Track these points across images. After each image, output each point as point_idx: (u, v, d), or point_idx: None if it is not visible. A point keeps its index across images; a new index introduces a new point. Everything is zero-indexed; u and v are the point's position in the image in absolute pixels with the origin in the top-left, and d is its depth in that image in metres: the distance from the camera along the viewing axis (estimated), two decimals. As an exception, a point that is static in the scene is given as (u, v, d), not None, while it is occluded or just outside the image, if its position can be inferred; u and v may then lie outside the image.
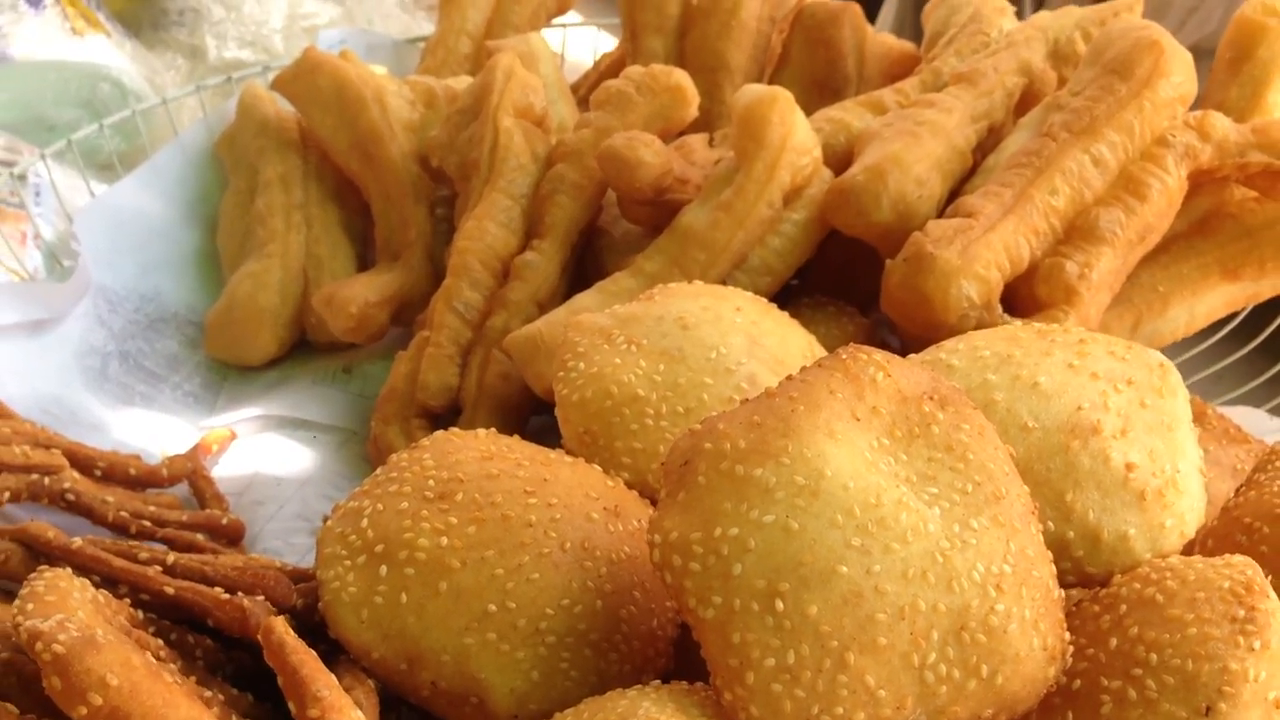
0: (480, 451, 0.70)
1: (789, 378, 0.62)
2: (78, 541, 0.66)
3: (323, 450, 0.99)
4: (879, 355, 0.62)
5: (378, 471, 0.71)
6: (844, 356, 0.62)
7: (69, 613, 0.54)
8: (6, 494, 0.75)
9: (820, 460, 0.57)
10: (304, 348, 1.09)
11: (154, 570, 0.65)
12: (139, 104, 1.25)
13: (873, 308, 1.02)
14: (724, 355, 0.77)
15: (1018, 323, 0.77)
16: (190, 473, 0.92)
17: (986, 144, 1.00)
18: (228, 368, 1.08)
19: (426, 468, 0.69)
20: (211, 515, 0.86)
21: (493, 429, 0.74)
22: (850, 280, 1.01)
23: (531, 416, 0.98)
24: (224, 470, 0.97)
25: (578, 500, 0.68)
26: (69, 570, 0.60)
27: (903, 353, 0.94)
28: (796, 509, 0.55)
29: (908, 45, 1.20)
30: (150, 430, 0.99)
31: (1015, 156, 0.90)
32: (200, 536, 0.83)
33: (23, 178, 1.07)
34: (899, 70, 1.19)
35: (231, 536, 0.87)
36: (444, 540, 0.64)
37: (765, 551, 0.55)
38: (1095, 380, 0.67)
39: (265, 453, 0.98)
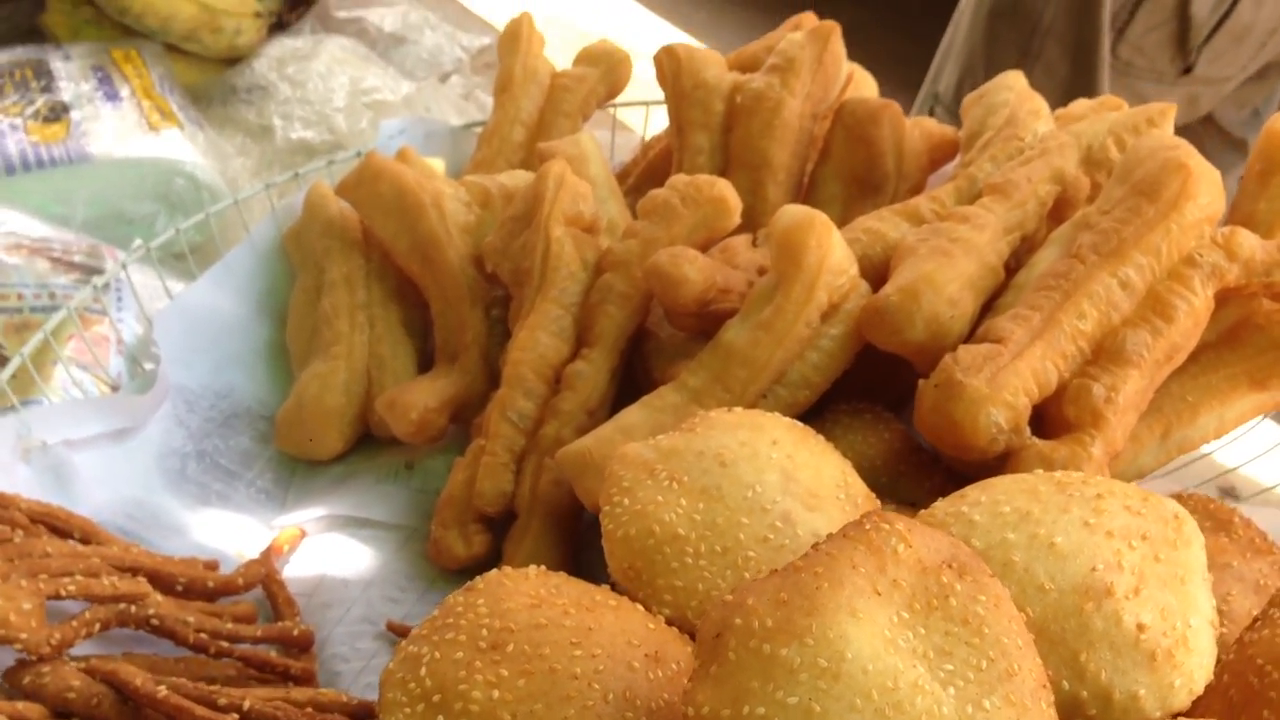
0: (530, 597, 0.75)
1: (815, 548, 0.66)
2: (162, 690, 0.72)
3: (386, 549, 1.05)
4: (901, 524, 0.67)
5: (435, 614, 0.76)
6: (867, 527, 0.66)
7: (158, 788, 0.60)
8: (98, 625, 0.82)
9: (842, 642, 0.61)
10: (368, 442, 1.15)
11: (232, 718, 0.71)
12: (211, 197, 1.32)
13: (907, 403, 1.06)
14: (759, 494, 0.81)
15: (1038, 470, 0.80)
16: (264, 578, 0.98)
17: (1020, 250, 1.03)
18: (296, 461, 1.14)
19: (480, 615, 0.74)
20: (284, 629, 0.92)
21: (543, 566, 0.80)
22: (885, 377, 1.04)
23: (584, 513, 1.03)
24: (294, 570, 1.03)
25: (620, 649, 0.72)
26: (157, 737, 0.66)
27: (936, 459, 0.99)
28: (819, 691, 0.60)
29: (948, 131, 1.23)
30: (226, 531, 1.05)
31: (1044, 278, 0.93)
32: (273, 651, 0.90)
33: (106, 286, 1.14)
34: (939, 155, 1.22)
35: (302, 645, 0.93)
36: (495, 693, 0.69)
37: (789, 732, 0.59)
38: (1110, 539, 0.70)
39: (332, 553, 1.04)
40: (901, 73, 2.09)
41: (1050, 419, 0.91)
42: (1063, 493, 0.73)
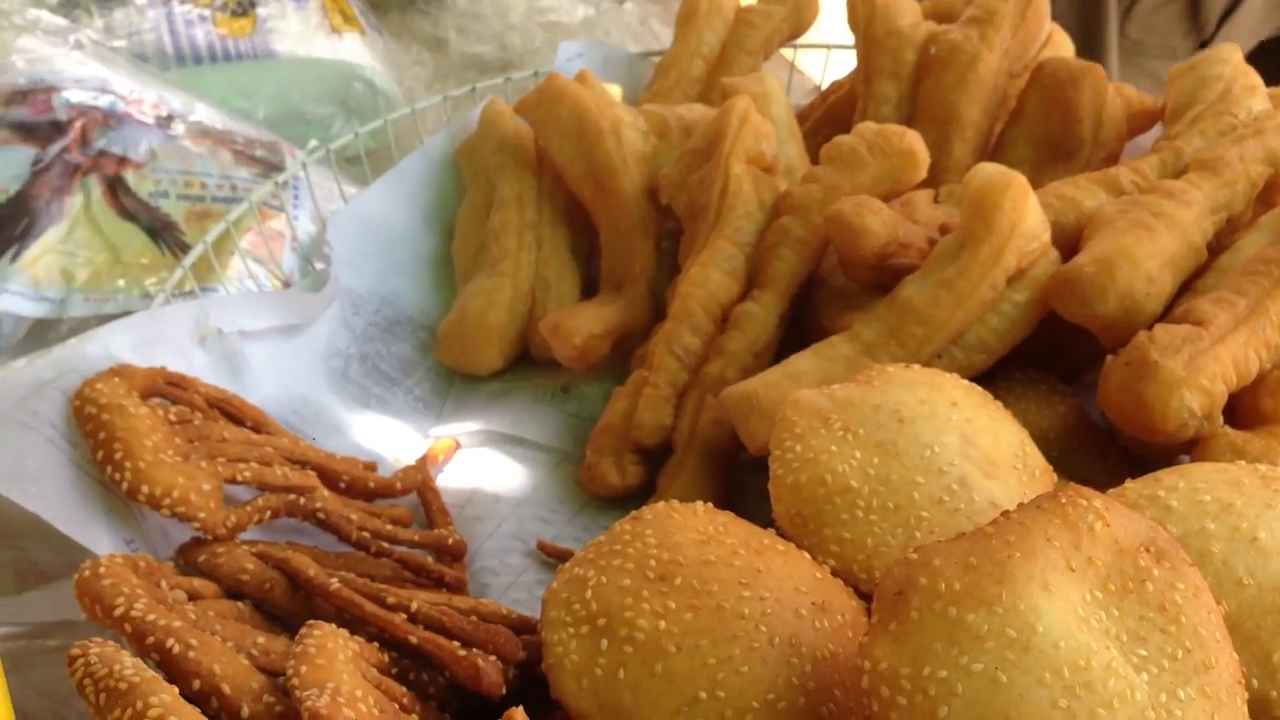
0: (699, 533, 0.75)
1: (1006, 515, 0.64)
2: (334, 583, 0.74)
3: (538, 470, 1.05)
4: (1098, 501, 0.64)
5: (601, 539, 0.76)
6: (1063, 500, 0.64)
7: (335, 677, 0.61)
8: (269, 512, 0.83)
9: (1033, 614, 0.59)
10: (525, 361, 1.15)
11: (400, 618, 0.72)
12: (386, 104, 1.33)
13: (1081, 375, 1.03)
14: (937, 454, 0.79)
15: (1241, 462, 0.77)
16: (420, 484, 0.99)
17: (1223, 231, 0.98)
18: (453, 374, 1.15)
19: (649, 545, 0.74)
20: (439, 536, 0.93)
21: (709, 504, 0.79)
22: (1061, 347, 1.01)
23: (740, 454, 1.02)
24: (447, 480, 1.04)
25: (787, 594, 0.71)
26: (333, 628, 0.67)
27: (1112, 437, 0.96)
28: (1006, 661, 0.58)
29: (1147, 100, 1.18)
30: (383, 435, 1.07)
31: (1252, 263, 0.88)
32: (429, 557, 0.91)
33: (285, 184, 1.15)
34: (1136, 126, 1.18)
35: (455, 554, 0.94)
36: (662, 624, 0.69)
37: (971, 699, 0.58)
38: (1316, 540, 0.67)
39: (485, 468, 1.05)
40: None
41: (1244, 409, 0.87)
42: (1268, 487, 0.70)
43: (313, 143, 1.26)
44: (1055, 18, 1.96)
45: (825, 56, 1.41)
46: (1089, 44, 1.96)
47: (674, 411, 1.01)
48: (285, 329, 1.07)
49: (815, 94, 1.41)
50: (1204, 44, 1.98)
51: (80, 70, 1.18)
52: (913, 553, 0.64)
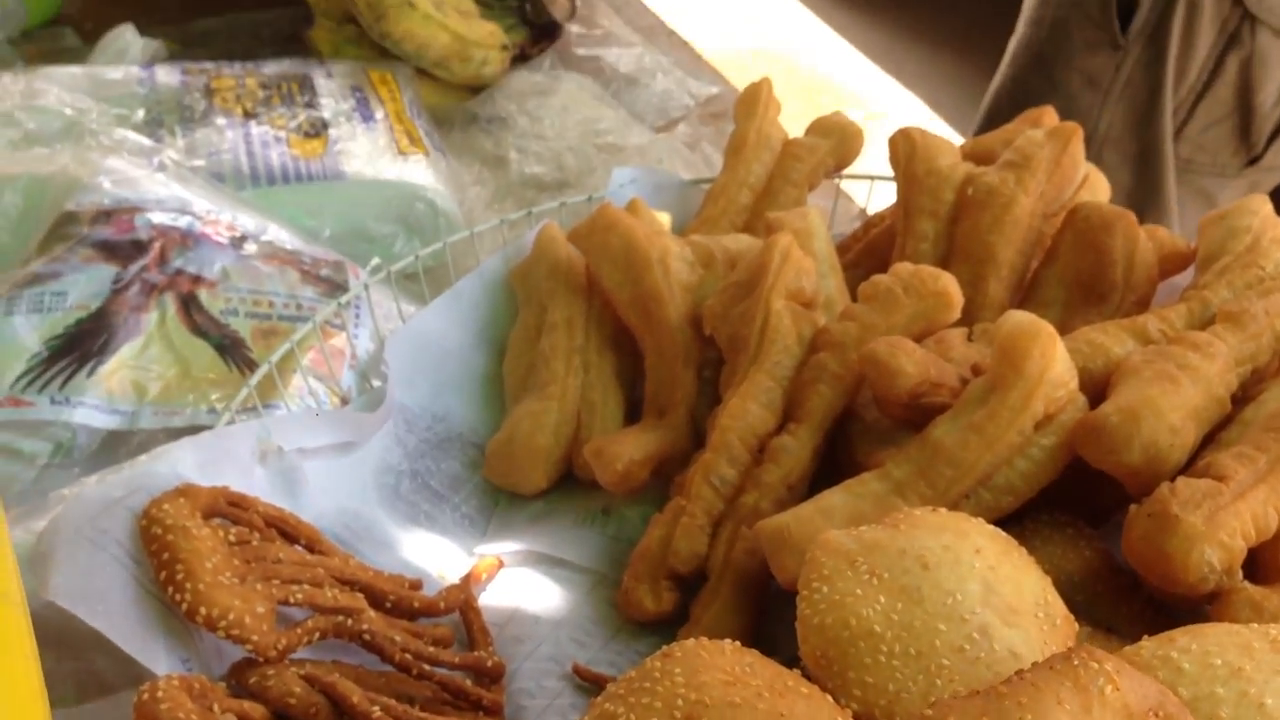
0: (725, 673, 0.78)
1: (1020, 675, 0.67)
2: (377, 711, 0.78)
3: (576, 591, 1.09)
4: (1110, 664, 0.67)
5: (632, 674, 0.79)
6: (1075, 662, 0.67)
7: (375, 812, 0.65)
8: (317, 634, 0.87)
9: (1040, 778, 0.62)
10: (570, 481, 1.19)
11: (437, 747, 0.76)
12: (447, 223, 1.39)
13: (1109, 516, 1.05)
14: (959, 602, 0.82)
15: (1253, 625, 0.79)
16: (462, 603, 1.03)
17: (1249, 382, 1.01)
18: (499, 491, 1.19)
19: (677, 684, 0.77)
20: (479, 659, 0.97)
21: (737, 642, 0.82)
22: (1089, 490, 1.03)
23: (772, 584, 1.05)
24: (489, 599, 1.08)
25: (809, 739, 0.74)
26: (374, 760, 0.71)
27: (1137, 583, 0.98)
28: (1011, 825, 0.61)
29: (1179, 242, 1.21)
30: (430, 551, 1.11)
31: (1274, 419, 0.91)
32: (468, 680, 0.95)
33: (347, 303, 1.21)
34: (1169, 267, 1.21)
35: (493, 676, 0.98)
36: (686, 766, 0.72)
37: None
38: (1323, 708, 0.69)
39: (526, 587, 1.09)
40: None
41: (1265, 564, 0.89)
42: (1277, 653, 0.72)
43: (375, 261, 1.32)
44: (1114, 141, 2.02)
45: (870, 186, 1.45)
46: (1147, 163, 2.00)
47: (709, 540, 1.04)
48: (341, 446, 1.12)
49: (859, 218, 1.46)
50: (1254, 160, 2.02)
51: (162, 191, 1.25)
52: (929, 710, 0.67)
